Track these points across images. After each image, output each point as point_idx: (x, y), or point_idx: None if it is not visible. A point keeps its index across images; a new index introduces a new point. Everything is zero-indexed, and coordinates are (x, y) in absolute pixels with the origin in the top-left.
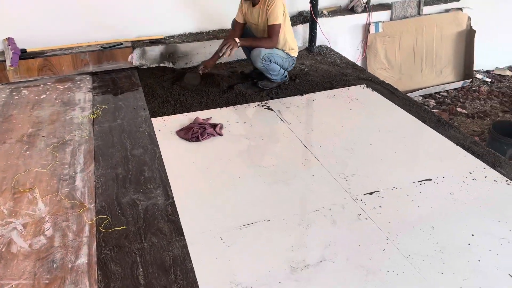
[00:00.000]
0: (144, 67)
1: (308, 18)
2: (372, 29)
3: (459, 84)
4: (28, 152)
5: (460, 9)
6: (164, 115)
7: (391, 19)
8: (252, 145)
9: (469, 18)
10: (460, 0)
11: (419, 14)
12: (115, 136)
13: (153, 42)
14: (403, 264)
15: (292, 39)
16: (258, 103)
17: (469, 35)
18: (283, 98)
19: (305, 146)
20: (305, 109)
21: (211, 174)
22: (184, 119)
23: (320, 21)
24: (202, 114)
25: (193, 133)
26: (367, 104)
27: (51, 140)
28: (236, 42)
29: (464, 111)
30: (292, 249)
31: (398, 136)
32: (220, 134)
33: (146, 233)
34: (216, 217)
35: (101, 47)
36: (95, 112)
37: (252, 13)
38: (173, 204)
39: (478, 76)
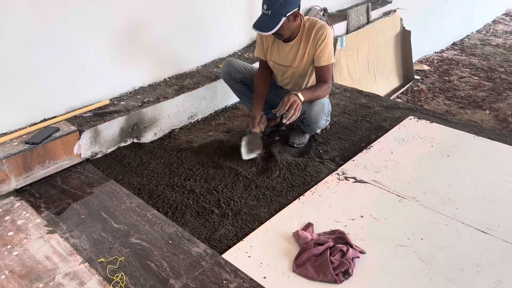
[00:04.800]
0: (99, 155)
1: None
2: (338, 45)
3: (405, 87)
4: None
5: (394, 10)
6: (229, 240)
7: (347, 31)
8: (423, 257)
9: (401, 19)
10: (392, 2)
11: (368, 21)
12: None
13: (100, 114)
14: None
15: None
16: (334, 175)
17: (403, 36)
18: (354, 160)
19: (484, 232)
20: (400, 170)
21: None
22: (273, 237)
23: None
24: (288, 225)
25: (335, 268)
26: (451, 143)
27: None
28: (301, 99)
29: None
30: None
31: None
32: (363, 252)
33: None
34: None
35: (27, 142)
36: (116, 279)
37: (282, 51)
38: None
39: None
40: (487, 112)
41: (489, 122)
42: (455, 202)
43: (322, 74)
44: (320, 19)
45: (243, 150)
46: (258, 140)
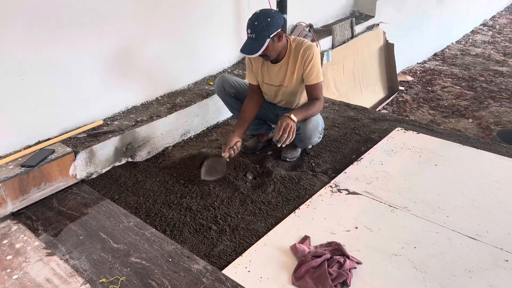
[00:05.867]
0: (94, 175)
1: None
2: (324, 59)
3: (391, 98)
4: None
5: (377, 24)
6: (229, 256)
7: (332, 46)
8: (417, 265)
9: (384, 33)
10: (375, 16)
11: (352, 36)
12: None
13: (94, 135)
14: None
15: None
16: (328, 188)
17: (387, 48)
18: (346, 172)
19: (474, 238)
20: (390, 181)
21: None
22: (271, 251)
23: None
24: (285, 238)
25: (334, 279)
26: (438, 152)
27: None
28: (294, 121)
29: None
30: None
31: None
32: (359, 262)
33: None
34: None
35: (23, 165)
36: None
37: (272, 72)
38: None
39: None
40: (470, 120)
41: (472, 130)
42: (445, 210)
43: (313, 92)
44: (306, 35)
45: (203, 170)
46: (222, 166)
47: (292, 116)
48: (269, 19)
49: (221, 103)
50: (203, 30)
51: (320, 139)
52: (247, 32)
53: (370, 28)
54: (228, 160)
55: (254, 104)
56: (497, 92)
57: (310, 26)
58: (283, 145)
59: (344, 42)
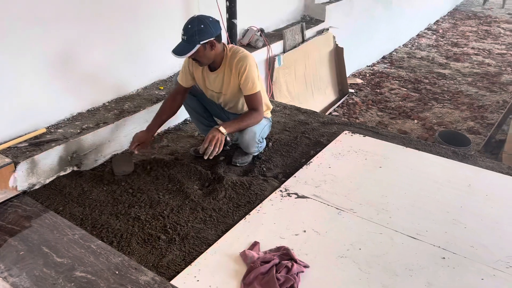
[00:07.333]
0: (37, 186)
1: None
2: (276, 64)
3: (341, 101)
4: None
5: (327, 29)
6: (177, 266)
7: (284, 50)
8: (361, 266)
9: (333, 37)
10: (325, 21)
11: (303, 40)
12: None
13: (36, 144)
14: None
15: (266, 97)
16: (278, 192)
17: (337, 52)
18: (296, 176)
19: (414, 238)
20: (338, 183)
21: None
22: (221, 259)
23: None
24: (235, 245)
25: (282, 284)
26: (383, 155)
27: None
28: (223, 133)
29: None
30: None
31: (462, 185)
32: (307, 266)
33: None
34: None
35: None
36: None
37: (210, 79)
38: None
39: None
40: (416, 121)
41: (417, 131)
42: (388, 211)
43: (250, 102)
44: (258, 39)
45: (114, 166)
46: (128, 161)
47: (221, 128)
48: (202, 26)
49: None
50: (151, 33)
51: (262, 148)
52: (181, 33)
53: (320, 32)
54: (136, 152)
55: (175, 104)
56: (440, 94)
57: (261, 30)
58: (210, 157)
59: (295, 46)
